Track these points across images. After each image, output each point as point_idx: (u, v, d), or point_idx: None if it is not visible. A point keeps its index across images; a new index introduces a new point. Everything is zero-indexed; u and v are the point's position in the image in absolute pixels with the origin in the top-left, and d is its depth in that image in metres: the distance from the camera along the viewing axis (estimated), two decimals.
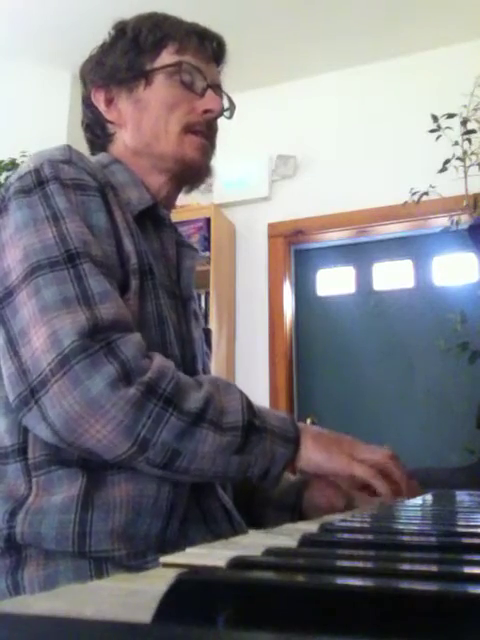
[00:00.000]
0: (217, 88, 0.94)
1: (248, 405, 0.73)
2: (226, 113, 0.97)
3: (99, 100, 0.91)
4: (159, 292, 0.80)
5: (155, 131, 0.88)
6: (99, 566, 0.67)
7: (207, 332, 1.00)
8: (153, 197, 0.88)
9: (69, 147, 0.80)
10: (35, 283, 0.68)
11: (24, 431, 0.72)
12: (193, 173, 0.92)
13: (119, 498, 0.70)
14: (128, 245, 0.78)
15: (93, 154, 0.94)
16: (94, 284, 0.70)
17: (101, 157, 0.90)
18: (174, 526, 0.72)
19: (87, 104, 0.94)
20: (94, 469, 0.70)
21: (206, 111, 0.89)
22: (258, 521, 0.92)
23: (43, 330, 0.66)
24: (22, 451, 0.72)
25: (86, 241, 0.72)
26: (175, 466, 0.68)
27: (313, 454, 0.74)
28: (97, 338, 0.66)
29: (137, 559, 0.68)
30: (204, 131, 0.90)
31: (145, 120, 0.88)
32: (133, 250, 0.78)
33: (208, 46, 0.92)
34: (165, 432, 0.66)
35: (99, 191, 0.78)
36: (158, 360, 0.70)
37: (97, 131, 0.94)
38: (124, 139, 0.91)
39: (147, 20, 0.91)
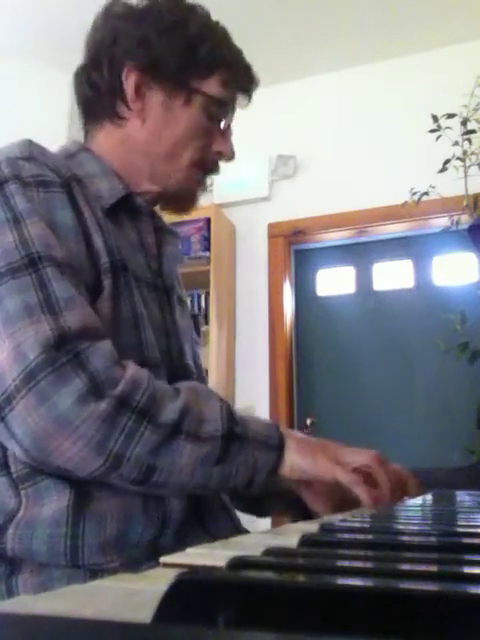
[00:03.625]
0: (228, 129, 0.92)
1: (228, 413, 0.70)
2: (227, 159, 0.93)
3: (130, 80, 0.84)
4: (134, 290, 0.77)
5: (171, 150, 0.86)
6: (94, 576, 0.65)
7: (195, 318, 0.98)
8: (126, 186, 0.84)
9: (30, 142, 0.76)
10: None
11: (2, 445, 0.68)
12: (179, 200, 0.91)
13: (109, 508, 0.67)
14: (98, 242, 0.74)
15: (85, 125, 0.90)
16: (58, 290, 0.66)
17: (69, 145, 0.86)
18: (169, 533, 0.70)
19: (110, 66, 0.84)
20: (81, 479, 0.67)
21: (219, 152, 0.89)
22: (255, 508, 0.93)
23: (7, 343, 0.63)
24: (4, 465, 0.69)
25: (49, 244, 0.68)
26: (152, 481, 0.65)
27: (297, 460, 0.72)
28: (64, 349, 0.62)
29: (131, 568, 0.66)
30: (211, 169, 0.90)
31: (167, 133, 0.85)
32: (103, 247, 0.74)
33: (251, 87, 0.91)
34: (139, 447, 0.63)
35: (64, 187, 0.74)
36: (131, 369, 0.66)
37: (104, 100, 0.86)
38: (133, 131, 0.86)
39: (211, 32, 0.87)
